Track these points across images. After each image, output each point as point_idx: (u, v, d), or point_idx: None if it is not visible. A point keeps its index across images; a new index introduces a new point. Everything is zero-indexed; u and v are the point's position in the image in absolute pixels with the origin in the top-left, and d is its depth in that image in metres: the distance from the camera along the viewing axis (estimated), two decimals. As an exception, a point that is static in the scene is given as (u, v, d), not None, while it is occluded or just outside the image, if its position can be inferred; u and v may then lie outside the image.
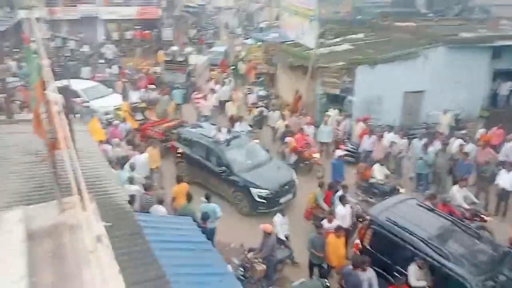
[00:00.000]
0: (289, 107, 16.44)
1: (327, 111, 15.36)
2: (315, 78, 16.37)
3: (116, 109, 15.91)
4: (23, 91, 16.34)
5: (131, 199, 8.13)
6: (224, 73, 22.63)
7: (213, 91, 17.54)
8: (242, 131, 13.59)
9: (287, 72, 19.32)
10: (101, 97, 17.22)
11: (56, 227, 3.26)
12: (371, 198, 10.77)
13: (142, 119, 15.12)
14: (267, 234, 8.11)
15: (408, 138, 13.15)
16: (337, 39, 19.74)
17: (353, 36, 19.97)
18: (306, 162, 12.97)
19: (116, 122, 13.72)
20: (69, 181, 4.09)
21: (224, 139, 12.01)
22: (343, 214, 9.10)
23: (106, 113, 15.64)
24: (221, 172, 11.26)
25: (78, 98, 16.15)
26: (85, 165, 5.28)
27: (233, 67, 25.46)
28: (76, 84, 17.56)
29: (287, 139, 13.24)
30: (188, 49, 25.67)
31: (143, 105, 15.89)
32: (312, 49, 16.51)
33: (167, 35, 30.82)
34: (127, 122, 13.76)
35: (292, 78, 18.71)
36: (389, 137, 13.00)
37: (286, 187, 11.04)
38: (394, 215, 7.96)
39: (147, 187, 9.68)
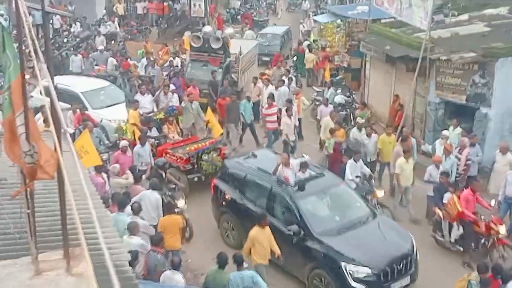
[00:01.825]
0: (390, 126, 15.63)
1: (445, 130, 15.08)
2: (427, 77, 16.25)
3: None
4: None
5: (133, 258, 8.33)
6: (282, 68, 22.90)
7: (289, 102, 16.99)
8: (358, 177, 12.98)
9: (382, 68, 19.30)
10: (112, 105, 17.36)
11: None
12: None
13: (158, 137, 15.37)
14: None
15: None
16: (465, 16, 19.50)
17: (491, 10, 19.63)
18: (483, 240, 11.72)
19: (123, 143, 13.73)
20: (50, 228, 4.29)
21: (296, 179, 11.87)
22: None
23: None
24: (292, 234, 11.03)
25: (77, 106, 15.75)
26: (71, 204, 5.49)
27: (295, 59, 25.67)
28: (74, 84, 17.69)
29: (446, 196, 12.03)
30: (229, 30, 26.28)
31: (161, 115, 16.13)
32: (423, 31, 16.37)
33: (197, 9, 31.78)
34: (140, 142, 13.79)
35: (389, 76, 18.63)
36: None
37: (401, 264, 10.62)
38: None
39: (157, 241, 9.88)
